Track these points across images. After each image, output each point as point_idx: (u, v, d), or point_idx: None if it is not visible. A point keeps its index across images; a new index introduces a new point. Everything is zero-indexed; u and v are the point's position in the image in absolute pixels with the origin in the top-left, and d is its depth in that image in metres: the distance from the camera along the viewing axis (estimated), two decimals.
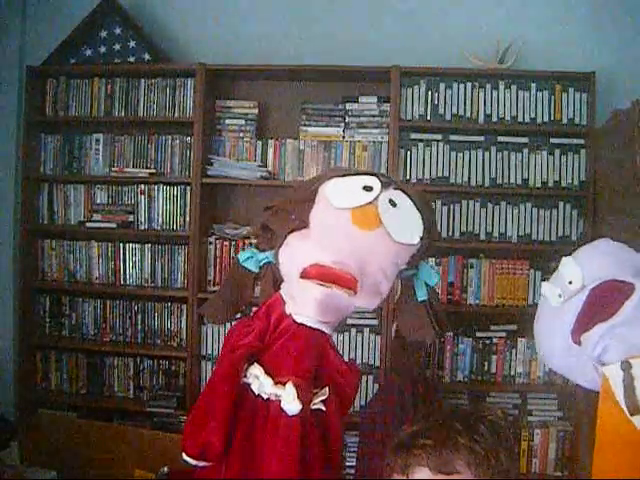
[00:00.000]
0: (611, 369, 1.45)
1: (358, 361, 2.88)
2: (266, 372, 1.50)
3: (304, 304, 1.52)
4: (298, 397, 1.43)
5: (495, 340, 2.90)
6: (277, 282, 1.68)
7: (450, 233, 2.91)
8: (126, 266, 3.08)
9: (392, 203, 1.57)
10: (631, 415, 1.38)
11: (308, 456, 1.46)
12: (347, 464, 2.67)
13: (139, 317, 3.07)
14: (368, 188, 1.58)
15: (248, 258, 1.73)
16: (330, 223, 1.55)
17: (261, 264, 1.71)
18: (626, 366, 1.40)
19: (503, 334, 2.91)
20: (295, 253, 1.55)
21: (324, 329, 1.56)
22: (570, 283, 1.54)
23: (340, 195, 1.59)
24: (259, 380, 1.50)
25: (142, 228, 3.06)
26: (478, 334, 2.91)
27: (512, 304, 2.89)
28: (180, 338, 3.03)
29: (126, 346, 3.06)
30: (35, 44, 3.17)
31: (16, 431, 2.50)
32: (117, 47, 3.04)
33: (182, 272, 3.03)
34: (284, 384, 1.46)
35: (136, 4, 3.13)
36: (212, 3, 3.14)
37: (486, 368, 2.91)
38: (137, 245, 3.07)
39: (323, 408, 1.50)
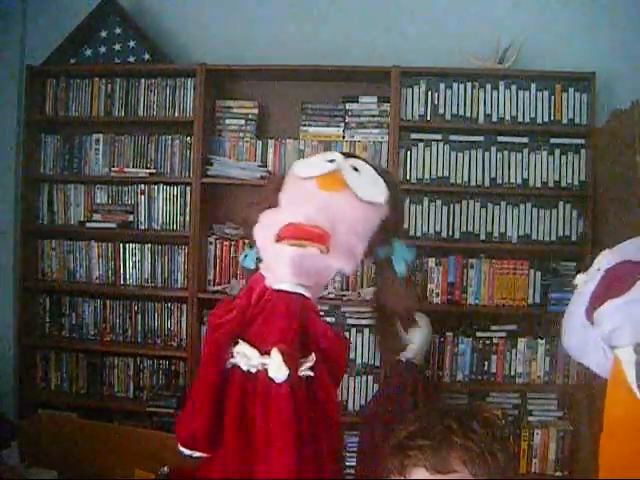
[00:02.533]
0: (624, 352, 1.44)
1: (358, 361, 2.88)
2: (252, 346, 1.51)
3: (279, 269, 1.56)
4: (284, 363, 1.43)
5: (495, 340, 2.90)
6: None
7: (450, 233, 2.91)
8: (126, 266, 3.08)
9: (355, 169, 1.67)
10: None
11: (303, 424, 1.46)
12: (347, 464, 2.67)
13: (139, 317, 3.07)
14: (331, 160, 1.69)
15: (245, 257, 1.79)
16: (298, 192, 1.65)
17: (256, 259, 1.75)
18: (639, 349, 1.40)
19: (503, 334, 2.91)
20: (267, 224, 1.61)
21: (304, 292, 1.57)
22: (598, 270, 1.55)
23: (305, 168, 1.71)
24: (246, 356, 1.50)
25: (142, 228, 3.06)
26: (478, 334, 2.91)
27: (512, 304, 2.89)
28: (180, 338, 3.03)
29: (126, 346, 3.06)
30: (35, 44, 3.17)
31: (16, 431, 2.50)
32: (117, 47, 3.04)
33: (182, 272, 3.03)
34: (270, 354, 1.46)
35: (136, 4, 3.13)
36: (212, 3, 3.14)
37: (486, 368, 2.90)
38: (137, 245, 3.07)
39: (311, 373, 1.50)
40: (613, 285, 1.47)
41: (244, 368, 1.50)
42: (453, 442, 0.97)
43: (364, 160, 1.77)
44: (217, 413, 1.49)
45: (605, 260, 1.54)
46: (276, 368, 1.44)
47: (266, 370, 1.46)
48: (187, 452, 1.54)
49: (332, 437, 1.59)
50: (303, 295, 1.57)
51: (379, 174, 1.72)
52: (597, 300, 1.50)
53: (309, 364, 1.50)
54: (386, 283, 1.78)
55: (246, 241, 2.93)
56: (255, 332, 1.53)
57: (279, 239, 1.54)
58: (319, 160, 1.74)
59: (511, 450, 2.66)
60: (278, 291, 1.55)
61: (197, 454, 1.54)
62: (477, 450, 0.97)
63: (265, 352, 1.48)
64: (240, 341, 1.52)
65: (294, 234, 1.52)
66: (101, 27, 3.05)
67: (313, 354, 1.52)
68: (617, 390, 1.47)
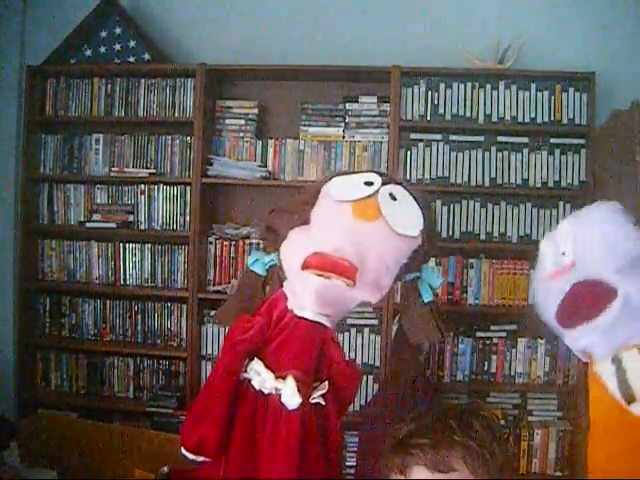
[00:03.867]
0: (601, 365, 1.44)
1: (358, 361, 2.88)
2: (267, 367, 1.51)
3: (303, 296, 1.53)
4: (298, 391, 1.43)
5: (495, 340, 2.90)
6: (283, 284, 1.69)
7: (450, 233, 2.91)
8: (126, 266, 3.08)
9: (392, 197, 1.59)
10: (628, 404, 1.38)
11: (308, 451, 1.46)
12: (347, 464, 2.67)
13: (139, 317, 3.07)
14: (369, 183, 1.60)
15: (255, 261, 1.74)
16: (331, 216, 1.58)
17: (267, 267, 1.72)
18: (617, 361, 1.40)
19: (503, 334, 2.91)
20: (295, 246, 1.56)
21: (324, 322, 1.55)
22: (563, 254, 1.52)
23: (341, 189, 1.62)
24: (260, 375, 1.50)
25: (142, 228, 3.06)
26: (478, 334, 2.91)
27: (512, 304, 2.89)
28: (180, 338, 3.03)
29: (126, 346, 3.06)
30: (35, 44, 3.17)
31: (16, 431, 2.50)
32: (117, 47, 3.04)
33: (182, 272, 3.03)
34: (284, 378, 1.46)
35: (136, 4, 3.13)
36: (212, 3, 3.14)
37: (486, 368, 2.91)
38: (137, 245, 3.07)
39: (322, 402, 1.50)
40: (580, 308, 1.46)
41: (256, 387, 1.50)
42: (453, 440, 0.98)
43: (403, 186, 1.68)
44: (227, 422, 1.49)
45: (579, 256, 1.48)
46: (290, 395, 1.43)
47: (279, 395, 1.46)
48: (191, 457, 1.52)
49: (333, 465, 1.58)
50: (323, 325, 1.56)
51: (418, 203, 1.64)
52: (565, 320, 1.49)
53: (322, 392, 1.50)
54: (410, 308, 1.73)
55: (252, 242, 2.94)
56: (272, 353, 1.52)
57: (305, 267, 1.49)
58: (357, 181, 1.64)
59: (510, 450, 2.66)
60: (300, 317, 1.54)
61: (201, 459, 1.53)
62: (477, 449, 0.98)
63: (280, 376, 1.47)
64: (256, 359, 1.52)
65: (321, 265, 1.47)
66: (101, 27, 3.05)
67: (326, 382, 1.52)
68: (597, 391, 1.47)
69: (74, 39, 3.05)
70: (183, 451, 1.53)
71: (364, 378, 2.88)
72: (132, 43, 3.03)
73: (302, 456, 1.45)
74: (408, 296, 1.73)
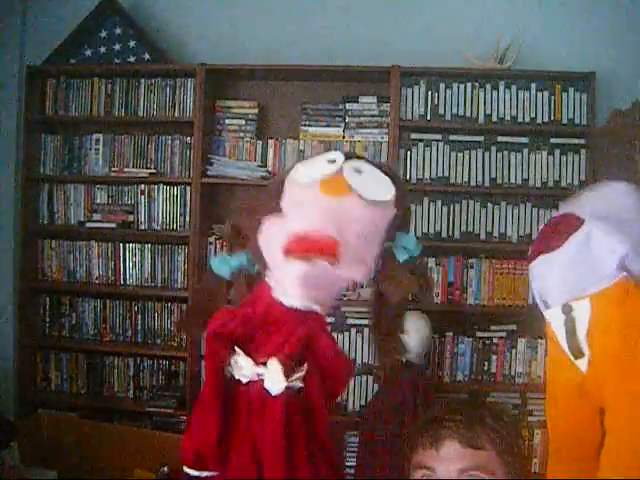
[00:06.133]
0: (552, 313, 1.41)
1: (358, 361, 2.88)
2: (248, 356, 1.44)
3: (288, 284, 1.48)
4: (283, 374, 1.38)
5: (495, 340, 2.90)
6: (251, 286, 1.62)
7: (450, 233, 2.91)
8: (126, 266, 3.08)
9: (357, 170, 1.57)
10: (575, 359, 1.36)
11: (292, 439, 1.42)
12: (347, 464, 2.67)
13: (139, 317, 3.07)
14: (331, 161, 1.59)
15: (221, 264, 1.67)
16: (301, 199, 1.54)
17: (233, 270, 1.66)
18: (567, 309, 1.37)
19: (503, 334, 2.91)
20: (273, 234, 1.51)
21: (314, 307, 1.50)
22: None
23: (305, 172, 1.61)
24: (239, 364, 1.44)
25: (142, 228, 3.06)
26: (478, 334, 2.91)
27: (512, 304, 2.89)
28: (180, 338, 3.03)
29: (126, 346, 3.06)
30: (35, 44, 3.17)
31: (16, 431, 2.50)
32: (117, 47, 3.04)
33: (182, 272, 3.03)
34: (265, 364, 1.40)
35: (136, 4, 3.13)
36: (212, 3, 3.14)
37: (486, 368, 2.91)
38: (137, 245, 3.07)
39: (301, 384, 1.46)
40: (547, 238, 1.45)
41: (236, 377, 1.45)
42: (485, 422, 1.03)
43: (365, 159, 1.69)
44: (222, 428, 1.45)
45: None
46: (274, 379, 1.38)
47: (262, 380, 1.41)
48: (195, 473, 1.45)
49: (319, 453, 1.54)
50: (314, 311, 1.50)
51: (382, 172, 1.63)
52: (532, 253, 1.47)
53: (299, 374, 1.43)
54: (385, 271, 1.66)
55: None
56: (256, 344, 1.47)
57: (286, 253, 1.44)
58: (319, 161, 1.64)
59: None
60: (287, 307, 1.48)
61: (205, 474, 1.45)
62: (506, 436, 1.03)
63: (261, 363, 1.42)
64: (236, 348, 1.46)
65: (301, 247, 1.43)
66: (101, 27, 3.05)
67: (305, 365, 1.45)
68: (553, 352, 1.45)
69: (74, 39, 3.05)
70: (185, 469, 1.48)
71: (364, 378, 2.88)
72: (132, 43, 3.03)
73: (288, 444, 1.41)
74: (383, 262, 1.65)
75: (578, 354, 1.35)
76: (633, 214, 1.44)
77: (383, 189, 1.57)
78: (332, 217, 1.47)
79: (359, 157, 1.70)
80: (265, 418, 1.40)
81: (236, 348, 1.45)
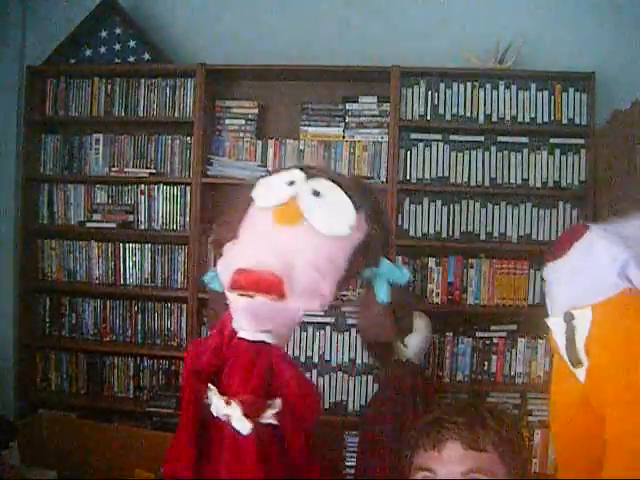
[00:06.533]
0: (554, 321, 1.41)
1: (358, 361, 2.87)
2: (220, 392, 1.40)
3: (237, 317, 1.44)
4: (245, 415, 1.33)
5: (495, 340, 2.90)
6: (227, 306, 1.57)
7: (450, 233, 2.91)
8: (126, 266, 3.08)
9: (316, 193, 1.46)
10: (574, 367, 1.35)
11: (272, 473, 1.36)
12: (347, 464, 2.67)
13: (139, 317, 3.07)
14: (290, 183, 1.49)
15: (212, 279, 1.64)
16: (254, 225, 1.49)
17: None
18: (569, 317, 1.36)
19: (503, 334, 2.91)
20: (225, 263, 1.47)
21: (266, 339, 1.43)
22: None
23: (263, 194, 1.53)
24: (214, 402, 1.40)
25: (142, 228, 3.06)
26: (478, 334, 2.91)
27: (512, 304, 2.89)
28: (180, 338, 3.03)
29: (126, 346, 3.06)
30: (35, 44, 3.18)
31: (16, 431, 2.50)
32: (117, 47, 3.05)
33: (182, 272, 3.03)
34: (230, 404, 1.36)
35: (136, 4, 3.13)
36: (212, 3, 3.14)
37: (486, 368, 2.91)
38: (137, 245, 3.07)
39: (274, 422, 1.38)
40: (555, 246, 1.45)
41: (214, 414, 1.40)
42: (487, 424, 1.03)
43: (330, 178, 1.52)
44: (196, 460, 1.39)
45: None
46: (238, 421, 1.33)
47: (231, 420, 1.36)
48: None
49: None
50: (266, 342, 1.43)
51: (347, 193, 1.48)
52: (545, 262, 1.47)
53: (272, 411, 1.38)
54: (363, 307, 1.59)
55: None
56: (224, 377, 1.43)
57: (231, 287, 1.40)
58: (279, 182, 1.52)
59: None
60: (241, 339, 1.43)
61: None
62: (507, 437, 1.03)
63: (228, 402, 1.37)
64: (209, 385, 1.41)
65: (242, 284, 1.37)
66: (101, 27, 3.05)
67: (278, 400, 1.39)
68: (556, 360, 1.44)
69: (74, 39, 3.05)
70: None
71: (364, 378, 2.88)
72: (132, 43, 3.03)
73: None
74: (364, 295, 1.59)
75: (577, 363, 1.34)
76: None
77: (340, 220, 1.45)
78: (282, 249, 1.41)
79: (321, 172, 1.56)
80: (240, 457, 1.36)
81: (209, 385, 1.41)
